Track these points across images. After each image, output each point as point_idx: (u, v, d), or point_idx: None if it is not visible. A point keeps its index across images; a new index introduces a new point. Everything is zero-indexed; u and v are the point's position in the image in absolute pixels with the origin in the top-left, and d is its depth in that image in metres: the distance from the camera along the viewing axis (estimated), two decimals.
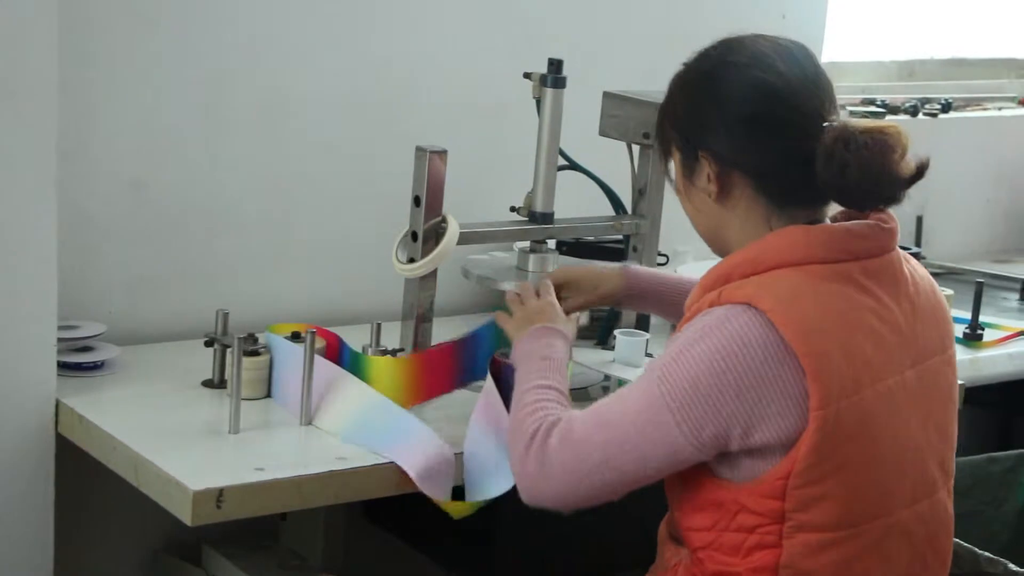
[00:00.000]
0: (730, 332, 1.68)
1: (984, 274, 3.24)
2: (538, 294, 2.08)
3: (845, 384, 1.69)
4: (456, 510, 1.96)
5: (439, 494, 1.94)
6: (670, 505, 1.85)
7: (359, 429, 2.02)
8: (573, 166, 2.44)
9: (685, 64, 1.86)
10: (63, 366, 2.16)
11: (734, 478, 1.72)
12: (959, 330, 2.72)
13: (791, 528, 1.70)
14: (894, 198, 1.76)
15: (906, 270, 1.83)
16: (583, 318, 2.26)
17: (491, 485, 1.94)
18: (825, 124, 1.74)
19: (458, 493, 1.97)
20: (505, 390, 1.96)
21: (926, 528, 1.81)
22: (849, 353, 1.70)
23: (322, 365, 2.09)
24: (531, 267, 2.36)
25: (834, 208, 1.85)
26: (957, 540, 2.02)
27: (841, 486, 1.70)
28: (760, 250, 1.76)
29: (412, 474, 1.93)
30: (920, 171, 1.74)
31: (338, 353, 2.18)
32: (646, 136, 2.35)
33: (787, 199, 1.79)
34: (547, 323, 1.99)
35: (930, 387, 1.82)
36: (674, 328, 1.93)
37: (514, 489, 1.86)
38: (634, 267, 2.23)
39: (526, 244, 2.40)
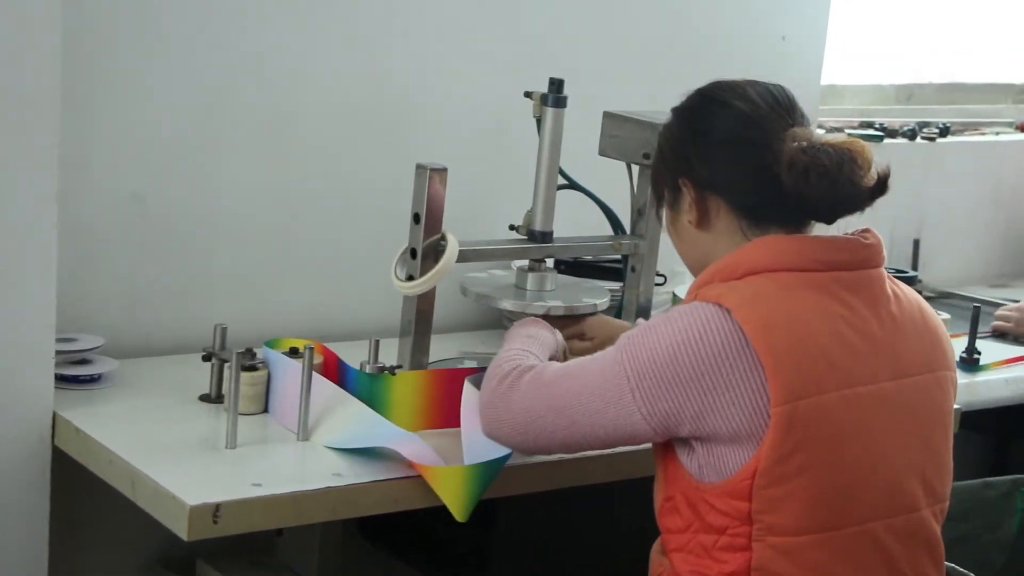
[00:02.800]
0: (693, 321, 1.75)
1: (981, 300, 3.24)
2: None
3: (805, 384, 1.72)
4: (454, 496, 1.93)
5: (432, 463, 1.95)
6: (655, 508, 1.87)
7: (348, 437, 2.03)
8: (573, 185, 2.44)
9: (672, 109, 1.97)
10: (61, 379, 2.16)
11: (702, 477, 1.76)
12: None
13: (759, 531, 1.74)
14: (856, 207, 1.83)
15: (889, 289, 1.87)
16: None
17: (489, 450, 1.94)
18: (788, 133, 1.82)
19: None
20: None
21: (904, 546, 1.82)
22: (811, 354, 1.74)
23: (319, 382, 2.08)
24: (529, 286, 2.36)
25: (819, 228, 1.89)
26: (952, 564, 2.01)
27: (806, 488, 1.73)
28: (738, 258, 1.82)
29: (403, 452, 1.95)
30: (882, 183, 1.81)
31: (338, 371, 2.17)
32: (646, 156, 2.35)
33: (761, 217, 1.85)
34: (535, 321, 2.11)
35: (915, 404, 1.84)
36: None
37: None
38: None
39: (525, 263, 2.40)
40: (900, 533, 1.81)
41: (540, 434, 1.86)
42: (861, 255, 1.84)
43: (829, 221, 1.87)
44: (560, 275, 2.45)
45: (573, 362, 1.88)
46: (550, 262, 2.42)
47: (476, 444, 1.97)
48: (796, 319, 1.76)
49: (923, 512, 1.84)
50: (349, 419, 2.06)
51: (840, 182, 1.79)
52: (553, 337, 2.08)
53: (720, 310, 1.75)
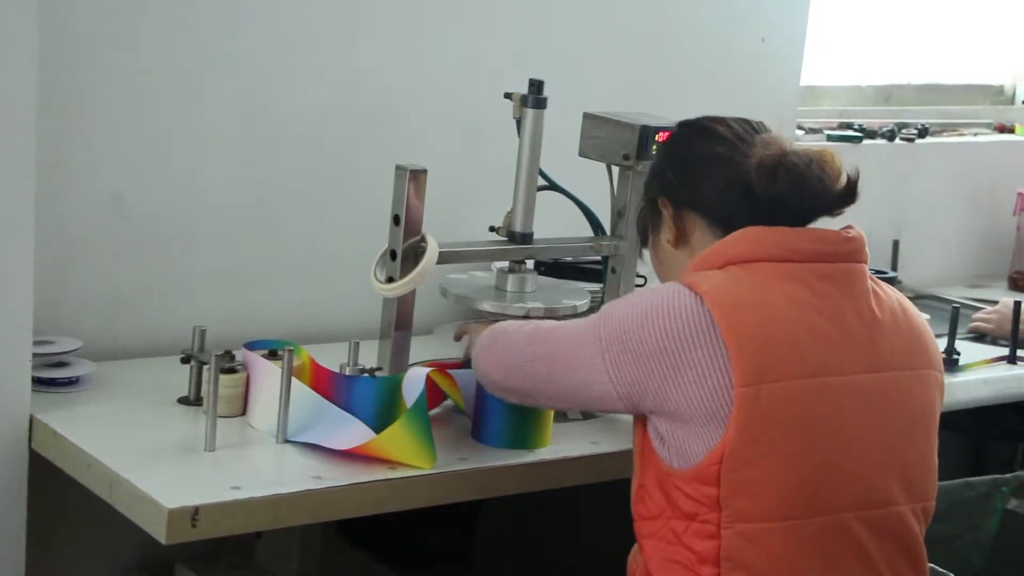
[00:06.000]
0: (664, 298, 1.80)
1: (960, 301, 3.24)
2: None
3: (770, 368, 1.75)
4: (408, 449, 1.97)
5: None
6: (631, 497, 1.89)
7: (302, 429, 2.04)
8: (553, 187, 2.44)
9: None
10: (38, 382, 2.15)
11: (672, 462, 1.78)
12: None
13: (728, 517, 1.75)
14: (826, 208, 1.88)
15: (870, 286, 1.88)
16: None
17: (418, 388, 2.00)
18: (758, 139, 1.90)
19: None
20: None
21: (878, 541, 1.82)
22: (778, 340, 1.76)
23: (297, 387, 2.07)
24: (509, 287, 2.36)
25: None
26: (931, 565, 2.02)
27: (772, 474, 1.75)
28: (718, 248, 1.87)
29: (345, 445, 1.98)
30: (851, 189, 1.86)
31: (333, 381, 2.16)
32: (626, 157, 2.36)
33: (735, 229, 1.87)
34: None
35: (894, 399, 1.85)
36: None
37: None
38: None
39: (505, 264, 2.40)
40: (874, 528, 1.81)
41: (522, 379, 1.93)
42: (841, 248, 1.86)
43: (800, 225, 1.88)
44: (540, 276, 2.45)
45: (570, 321, 1.94)
46: (530, 263, 2.42)
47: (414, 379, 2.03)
48: (765, 306, 1.78)
49: (900, 508, 1.84)
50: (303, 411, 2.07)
51: (808, 178, 1.84)
52: None
53: (692, 294, 1.78)
